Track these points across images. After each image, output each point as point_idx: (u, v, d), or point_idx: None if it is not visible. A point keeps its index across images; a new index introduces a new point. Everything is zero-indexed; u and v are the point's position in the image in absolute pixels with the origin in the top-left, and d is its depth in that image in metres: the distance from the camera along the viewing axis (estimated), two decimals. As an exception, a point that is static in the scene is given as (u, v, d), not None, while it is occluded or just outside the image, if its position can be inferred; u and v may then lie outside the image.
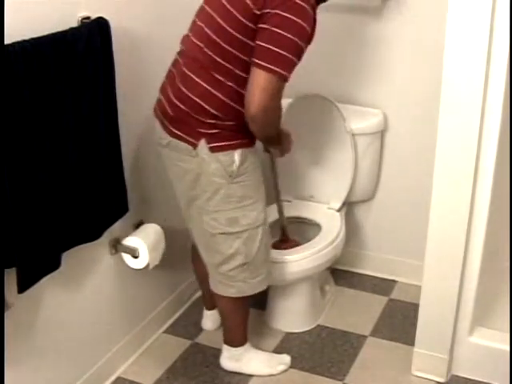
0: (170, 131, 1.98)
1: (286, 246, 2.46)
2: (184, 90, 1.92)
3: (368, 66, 2.59)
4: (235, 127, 1.92)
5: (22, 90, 1.65)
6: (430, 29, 2.37)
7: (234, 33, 1.83)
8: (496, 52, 1.83)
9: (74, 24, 1.86)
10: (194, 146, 1.94)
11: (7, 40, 1.61)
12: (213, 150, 1.93)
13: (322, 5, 2.01)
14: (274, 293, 2.54)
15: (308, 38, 1.86)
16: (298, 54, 1.82)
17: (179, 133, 1.96)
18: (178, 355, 2.45)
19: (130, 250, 2.21)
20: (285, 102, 2.45)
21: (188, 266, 2.50)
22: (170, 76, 2.00)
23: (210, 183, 1.97)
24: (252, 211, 2.04)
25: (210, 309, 2.53)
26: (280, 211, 2.54)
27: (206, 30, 1.88)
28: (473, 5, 1.79)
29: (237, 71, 1.86)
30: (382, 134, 2.65)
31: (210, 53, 1.87)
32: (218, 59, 1.86)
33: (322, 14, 2.10)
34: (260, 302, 2.57)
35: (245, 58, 1.83)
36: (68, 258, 1.95)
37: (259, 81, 1.78)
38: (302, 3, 1.78)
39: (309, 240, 2.48)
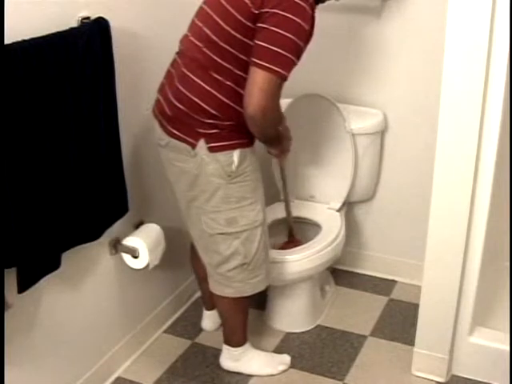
0: (169, 131, 1.98)
1: (291, 247, 2.47)
2: (183, 89, 1.92)
3: (368, 66, 2.59)
4: (234, 127, 1.92)
5: (22, 90, 1.65)
6: (430, 29, 2.37)
7: (233, 32, 1.82)
8: (496, 52, 1.83)
9: (74, 24, 1.86)
10: (193, 146, 1.93)
11: (7, 40, 1.61)
12: (212, 149, 1.93)
13: (322, 5, 2.02)
14: (274, 293, 2.54)
15: (307, 37, 1.86)
16: (297, 53, 1.82)
17: (178, 133, 1.96)
18: (178, 355, 2.45)
19: (129, 250, 2.21)
20: (285, 102, 2.46)
21: (188, 266, 2.50)
22: (168, 76, 2.00)
23: (209, 183, 1.97)
24: (251, 211, 2.03)
25: (209, 309, 2.53)
26: (288, 213, 2.55)
27: (205, 29, 1.88)
28: (473, 5, 1.79)
29: (236, 71, 1.86)
30: (382, 134, 2.65)
31: (208, 52, 1.87)
32: (217, 59, 1.86)
33: (322, 13, 2.10)
34: (260, 302, 2.58)
35: (244, 57, 1.83)
36: (68, 257, 1.95)
37: (258, 80, 1.77)
38: (300, 2, 1.78)
39: (309, 240, 2.48)
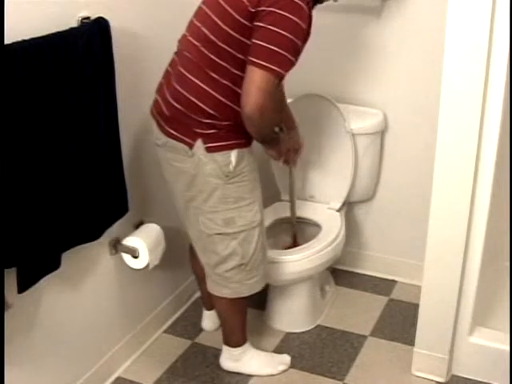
0: (167, 131, 1.98)
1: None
2: (180, 89, 1.92)
3: (368, 66, 2.59)
4: (232, 127, 1.92)
5: (22, 90, 1.65)
6: (430, 29, 2.37)
7: (230, 31, 1.82)
8: (496, 52, 1.83)
9: (74, 24, 1.86)
10: (191, 146, 1.93)
11: (7, 40, 1.61)
12: (209, 150, 1.92)
13: (323, 5, 2.02)
14: (274, 293, 2.54)
15: (304, 36, 1.85)
16: (294, 51, 1.82)
17: (175, 133, 1.96)
18: (178, 355, 2.45)
19: (129, 250, 2.21)
20: (285, 102, 2.46)
21: (188, 266, 2.50)
22: (166, 76, 2.01)
23: (207, 183, 1.97)
24: (248, 212, 2.03)
25: (209, 309, 2.53)
26: (293, 217, 2.56)
27: (203, 29, 1.88)
28: (473, 5, 1.79)
29: (233, 70, 1.86)
30: (382, 134, 2.65)
31: (206, 52, 1.87)
32: (214, 58, 1.86)
33: (322, 13, 2.11)
34: (260, 302, 2.58)
35: (241, 56, 1.83)
36: (68, 258, 1.95)
37: (255, 79, 1.77)
38: (297, 1, 1.77)
39: (309, 240, 2.48)
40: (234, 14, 1.81)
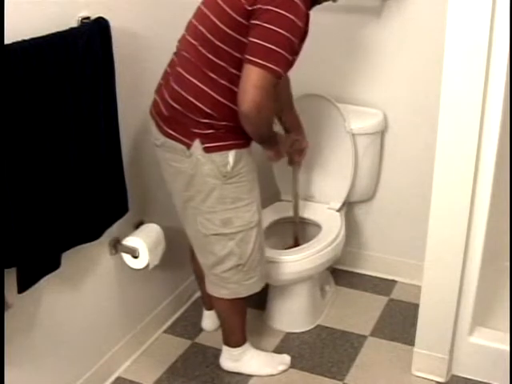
0: (165, 131, 1.98)
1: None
2: (178, 89, 1.92)
3: (368, 66, 2.59)
4: (230, 127, 1.92)
5: (22, 90, 1.65)
6: (430, 29, 2.37)
7: (227, 30, 1.82)
8: (496, 52, 1.83)
9: (74, 24, 1.86)
10: (188, 146, 1.93)
11: (7, 40, 1.61)
12: (207, 150, 1.92)
13: (322, 5, 2.02)
14: (273, 293, 2.54)
15: (301, 35, 1.85)
16: (291, 49, 1.81)
17: (174, 133, 1.96)
18: (178, 355, 2.45)
19: (129, 250, 2.21)
20: (285, 102, 2.46)
21: (188, 266, 2.50)
22: (165, 77, 2.01)
23: (204, 184, 1.97)
24: (246, 212, 2.03)
25: (209, 309, 2.53)
26: (296, 218, 2.56)
27: (200, 28, 1.88)
28: (473, 5, 1.79)
29: (230, 69, 1.85)
30: (382, 134, 2.65)
31: (203, 51, 1.87)
32: (212, 57, 1.86)
33: (322, 13, 2.11)
34: (260, 302, 2.58)
35: (238, 55, 1.82)
36: (68, 258, 1.95)
37: (252, 77, 1.77)
38: None
39: (309, 240, 2.48)
40: (230, 12, 1.81)
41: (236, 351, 2.32)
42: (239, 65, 1.81)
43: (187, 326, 2.62)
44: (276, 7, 1.75)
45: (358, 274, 2.93)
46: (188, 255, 2.43)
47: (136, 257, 2.22)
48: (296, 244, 2.57)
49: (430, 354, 2.26)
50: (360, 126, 2.55)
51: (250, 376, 2.33)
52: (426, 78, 2.45)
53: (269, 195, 2.68)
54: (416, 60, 2.49)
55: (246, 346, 2.33)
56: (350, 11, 2.52)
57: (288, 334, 2.55)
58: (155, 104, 2.02)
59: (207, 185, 1.97)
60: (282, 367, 2.36)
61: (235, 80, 1.83)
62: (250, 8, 1.78)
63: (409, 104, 2.57)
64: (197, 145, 1.92)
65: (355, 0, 2.48)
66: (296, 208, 2.57)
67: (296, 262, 2.36)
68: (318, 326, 2.60)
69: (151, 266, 2.26)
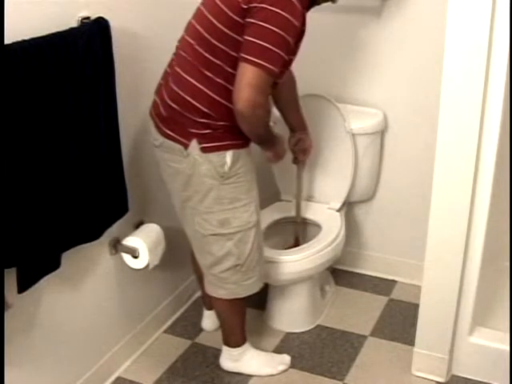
0: (163, 132, 1.98)
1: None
2: (176, 89, 1.92)
3: (368, 66, 2.59)
4: (227, 128, 1.92)
5: (22, 90, 1.65)
6: (430, 28, 2.37)
7: (224, 28, 1.82)
8: (496, 52, 1.83)
9: (74, 24, 1.86)
10: (186, 146, 1.93)
11: (7, 40, 1.61)
12: (204, 150, 1.92)
13: (322, 5, 2.02)
14: (274, 293, 2.54)
15: (296, 34, 1.84)
16: (286, 48, 1.81)
17: (171, 133, 1.96)
18: (178, 355, 2.45)
19: (129, 250, 2.21)
20: (285, 102, 2.46)
21: (188, 266, 2.50)
22: (164, 77, 2.01)
23: (202, 184, 1.97)
24: (244, 213, 2.03)
25: (209, 309, 2.53)
26: (298, 218, 2.56)
27: (198, 27, 1.89)
28: (473, 5, 1.79)
29: (226, 68, 1.85)
30: (381, 134, 2.65)
31: (200, 50, 1.87)
32: (209, 56, 1.86)
33: (322, 14, 2.11)
34: (260, 302, 2.58)
35: (234, 54, 1.82)
36: (68, 258, 1.95)
37: (247, 75, 1.76)
38: None
39: (309, 240, 2.48)
40: (227, 11, 1.81)
41: (236, 351, 2.32)
42: (235, 64, 1.81)
43: (187, 325, 2.62)
44: (271, 5, 1.75)
45: (358, 273, 2.93)
46: (188, 255, 2.42)
47: (136, 257, 2.22)
48: (296, 244, 2.57)
49: (430, 354, 2.26)
50: (360, 125, 2.55)
51: (249, 376, 2.33)
52: (426, 78, 2.45)
53: (269, 195, 2.68)
54: (416, 60, 2.49)
55: (246, 346, 2.33)
56: (350, 11, 2.52)
57: (288, 333, 2.55)
58: (155, 105, 2.02)
59: (204, 185, 1.97)
60: (281, 367, 2.36)
61: (231, 79, 1.83)
62: (245, 6, 1.78)
63: (409, 104, 2.57)
64: (194, 145, 1.92)
65: (355, 0, 2.48)
66: (298, 207, 2.57)
67: (296, 262, 2.36)
68: (318, 325, 2.60)
69: (151, 266, 2.26)
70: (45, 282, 1.89)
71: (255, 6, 1.76)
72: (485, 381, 2.25)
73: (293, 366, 2.38)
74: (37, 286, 1.85)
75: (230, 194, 1.99)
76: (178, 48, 1.98)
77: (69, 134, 1.83)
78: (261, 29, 1.76)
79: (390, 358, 2.41)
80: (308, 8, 1.94)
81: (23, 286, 1.80)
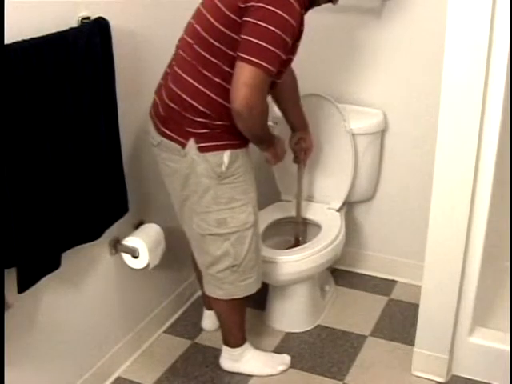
0: (162, 131, 1.99)
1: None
2: (175, 89, 1.93)
3: (368, 66, 2.59)
4: (225, 127, 1.92)
5: (22, 89, 1.65)
6: (430, 29, 2.37)
7: (222, 28, 1.82)
8: (496, 52, 1.83)
9: (74, 24, 1.86)
10: (183, 145, 1.94)
11: (7, 40, 1.61)
12: (201, 149, 1.93)
13: (322, 6, 2.02)
14: (273, 293, 2.54)
15: (294, 33, 1.84)
16: (284, 47, 1.80)
17: (169, 132, 1.96)
18: (178, 355, 2.45)
19: (129, 250, 2.21)
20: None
21: (188, 266, 2.50)
22: (164, 77, 2.02)
23: (199, 183, 1.97)
24: (241, 213, 2.03)
25: (209, 309, 2.53)
26: (298, 218, 2.56)
27: (197, 26, 1.89)
28: (473, 5, 1.79)
29: (224, 67, 1.85)
30: (382, 133, 2.65)
31: (198, 49, 1.87)
32: (206, 55, 1.86)
33: (322, 14, 2.11)
34: (260, 302, 2.58)
35: (232, 53, 1.82)
36: (68, 258, 1.95)
37: (244, 75, 1.76)
38: None
39: (309, 240, 2.48)
40: (225, 10, 1.81)
41: (236, 351, 2.32)
42: (233, 63, 1.81)
43: (187, 325, 2.62)
44: (268, 4, 1.75)
45: (358, 273, 2.93)
46: (188, 255, 2.42)
47: (136, 257, 2.22)
48: (297, 244, 2.57)
49: (430, 353, 2.26)
50: (360, 125, 2.55)
51: (249, 376, 2.33)
52: (426, 78, 2.45)
53: (269, 195, 2.68)
54: (416, 60, 2.49)
55: (246, 346, 2.33)
56: (350, 11, 2.52)
57: (288, 333, 2.55)
58: (154, 105, 2.03)
59: (202, 185, 1.97)
60: (281, 367, 2.36)
61: (229, 78, 1.83)
62: (243, 5, 1.78)
63: (409, 104, 2.57)
64: (191, 144, 1.93)
65: (355, 0, 2.48)
66: (298, 207, 2.57)
67: (296, 262, 2.36)
68: (318, 325, 2.60)
69: (151, 266, 2.26)
70: (45, 281, 1.89)
71: (252, 5, 1.76)
72: (485, 381, 2.25)
73: (293, 365, 2.38)
74: (37, 285, 1.85)
75: (227, 193, 1.99)
76: (177, 48, 1.99)
77: (69, 133, 1.83)
78: (258, 28, 1.76)
79: (390, 358, 2.41)
80: (307, 9, 1.94)
81: (23, 286, 1.80)
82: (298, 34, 1.88)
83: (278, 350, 2.46)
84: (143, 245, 2.20)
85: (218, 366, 2.37)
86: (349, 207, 2.77)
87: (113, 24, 1.92)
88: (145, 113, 2.09)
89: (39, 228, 1.78)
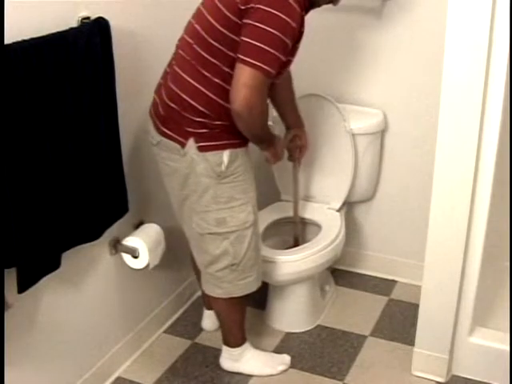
0: (161, 131, 1.99)
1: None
2: (174, 88, 1.93)
3: (368, 66, 2.59)
4: (224, 127, 1.92)
5: (22, 90, 1.65)
6: (430, 29, 2.37)
7: (221, 29, 1.83)
8: (496, 52, 1.83)
9: (74, 24, 1.86)
10: (183, 145, 1.94)
11: (7, 40, 1.61)
12: (201, 149, 1.93)
13: (323, 6, 2.02)
14: (274, 293, 2.54)
15: (294, 35, 1.84)
16: (283, 49, 1.80)
17: (169, 132, 1.97)
18: (178, 355, 2.45)
19: (129, 250, 2.21)
20: (285, 102, 2.46)
21: (188, 266, 2.50)
22: (164, 76, 2.02)
23: (199, 183, 1.97)
24: (241, 213, 2.03)
25: (209, 309, 2.53)
26: (296, 217, 2.56)
27: (196, 26, 1.89)
28: (473, 5, 1.79)
29: (224, 68, 1.86)
30: (381, 133, 2.65)
31: (198, 49, 1.87)
32: (206, 55, 1.86)
33: (322, 14, 2.11)
34: (260, 302, 2.58)
35: (232, 54, 1.82)
36: (68, 258, 1.95)
37: (244, 76, 1.77)
38: None
39: (309, 240, 2.48)
40: (225, 11, 1.82)
41: (236, 351, 2.32)
42: (232, 64, 1.81)
43: (187, 325, 2.62)
44: (267, 6, 1.75)
45: (358, 273, 2.93)
46: (188, 255, 2.42)
47: (136, 257, 2.22)
48: (296, 244, 2.57)
49: (430, 353, 2.26)
50: (360, 125, 2.55)
51: (249, 376, 2.33)
52: (426, 78, 2.45)
53: (269, 195, 2.68)
54: (416, 60, 2.49)
55: (246, 345, 2.33)
56: (350, 11, 2.52)
57: (288, 333, 2.55)
58: (154, 104, 2.03)
59: (201, 184, 1.97)
60: (281, 367, 2.36)
61: (228, 79, 1.83)
62: (243, 7, 1.78)
63: (409, 104, 2.57)
64: (191, 144, 1.93)
65: (355, 0, 2.48)
66: (296, 207, 2.57)
67: (296, 262, 2.36)
68: (318, 325, 2.60)
69: (151, 266, 2.26)
70: (45, 281, 1.89)
71: (252, 7, 1.76)
72: (485, 381, 2.25)
73: (293, 365, 2.38)
74: (37, 285, 1.85)
75: (226, 193, 1.99)
76: (177, 47, 1.99)
77: (69, 133, 1.83)
78: (257, 30, 1.76)
79: (390, 358, 2.41)
80: (307, 10, 1.94)
81: (23, 286, 1.80)
82: (298, 35, 1.88)
83: (277, 350, 2.46)
84: (143, 245, 2.20)
85: (217, 366, 2.37)
86: (349, 207, 2.77)
87: (113, 24, 1.92)
88: (145, 112, 2.09)
89: (39, 228, 1.78)
